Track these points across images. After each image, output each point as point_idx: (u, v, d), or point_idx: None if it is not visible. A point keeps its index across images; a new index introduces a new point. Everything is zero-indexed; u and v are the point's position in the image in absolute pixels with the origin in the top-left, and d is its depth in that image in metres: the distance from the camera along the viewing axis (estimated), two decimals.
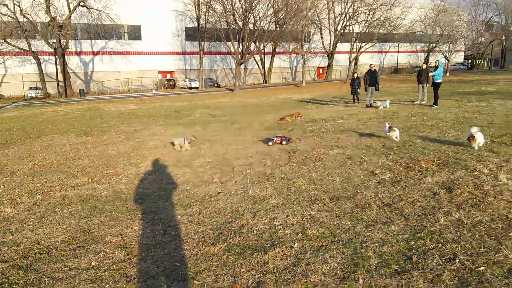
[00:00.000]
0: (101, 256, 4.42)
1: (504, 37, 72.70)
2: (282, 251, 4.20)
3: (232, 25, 38.92)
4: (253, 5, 37.09)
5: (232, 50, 38.06)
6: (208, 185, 6.83)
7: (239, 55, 38.43)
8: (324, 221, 4.95)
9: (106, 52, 46.11)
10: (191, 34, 47.85)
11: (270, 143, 10.28)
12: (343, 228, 4.70)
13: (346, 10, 45.77)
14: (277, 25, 41.31)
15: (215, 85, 49.81)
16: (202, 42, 44.49)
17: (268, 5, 38.91)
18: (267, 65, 51.08)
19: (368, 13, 45.84)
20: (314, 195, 5.96)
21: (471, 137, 7.91)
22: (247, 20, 37.48)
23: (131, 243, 4.72)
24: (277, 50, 50.14)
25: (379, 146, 9.09)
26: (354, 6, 45.64)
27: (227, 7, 37.27)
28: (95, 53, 45.69)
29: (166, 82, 48.94)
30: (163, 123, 15.95)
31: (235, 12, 37.47)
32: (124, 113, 21.22)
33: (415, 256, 3.89)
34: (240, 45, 39.59)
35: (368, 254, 4.01)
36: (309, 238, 4.48)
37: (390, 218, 4.90)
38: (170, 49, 49.54)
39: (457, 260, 3.75)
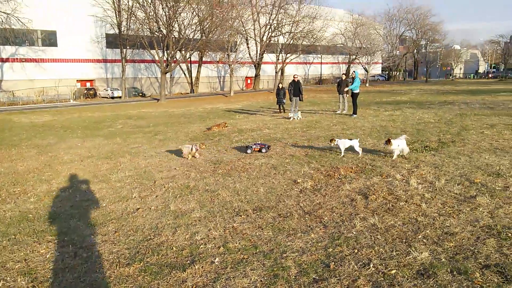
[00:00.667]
0: (0, 285, 3.96)
1: (415, 51, 79.33)
2: (202, 267, 4.05)
3: (156, 33, 38.04)
4: (177, 13, 36.59)
5: (157, 58, 37.19)
6: (126, 201, 6.46)
7: (164, 64, 37.67)
8: (247, 232, 4.90)
9: (17, 59, 42.48)
10: (113, 41, 45.88)
11: (248, 151, 9.88)
12: (265, 239, 4.68)
13: (271, 21, 46.99)
14: (203, 34, 41.18)
15: (140, 94, 48.27)
16: (124, 50, 42.93)
17: (192, 13, 38.64)
18: (194, 74, 50.66)
19: (291, 25, 47.46)
20: (238, 206, 5.89)
21: (388, 141, 8.35)
22: (171, 28, 36.86)
23: (36, 268, 4.29)
24: (204, 59, 50.01)
25: (302, 155, 9.31)
26: (278, 17, 47.00)
27: (150, 14, 36.40)
28: (4, 60, 41.95)
29: (85, 91, 46.41)
30: (81, 135, 15.02)
31: (159, 20, 36.68)
32: (37, 125, 19.69)
33: (333, 263, 3.96)
34: (165, 54, 38.82)
35: (288, 264, 4.01)
36: (230, 252, 4.39)
37: (310, 226, 4.98)
38: (90, 57, 47.11)
39: (371, 265, 3.87)
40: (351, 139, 9.24)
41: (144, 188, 7.11)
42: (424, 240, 4.38)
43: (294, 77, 18.18)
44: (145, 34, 38.92)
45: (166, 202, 6.23)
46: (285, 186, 6.81)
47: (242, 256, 4.27)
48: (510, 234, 4.39)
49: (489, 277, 3.55)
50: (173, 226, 5.23)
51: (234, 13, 41.61)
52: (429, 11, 78.23)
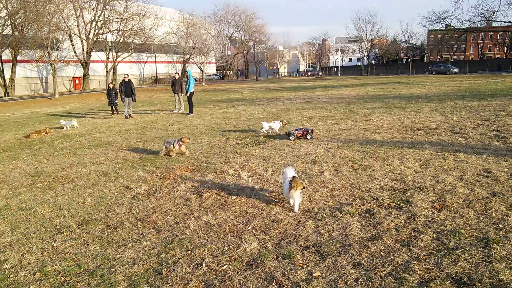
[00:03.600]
0: None
1: (245, 51, 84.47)
2: None
3: None
4: None
5: None
6: None
7: None
8: (70, 251, 4.36)
9: None
10: None
11: (291, 138, 9.67)
12: (91, 255, 4.24)
13: (97, 18, 43.86)
14: (15, 30, 35.95)
15: None
16: None
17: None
18: (7, 75, 43.94)
19: (120, 22, 45.19)
20: (60, 222, 5.23)
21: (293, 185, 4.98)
22: None
23: None
24: (19, 58, 43.77)
25: (136, 158, 8.89)
26: (104, 14, 44.14)
27: None
28: None
29: None
30: None
31: None
32: None
33: (165, 269, 3.81)
34: None
35: (117, 279, 3.70)
36: (49, 276, 3.83)
37: (142, 233, 4.72)
38: None
39: (204, 264, 3.85)
40: None
41: None
42: (253, 231, 4.58)
43: (124, 77, 17.33)
44: None
45: None
46: (116, 193, 6.36)
47: (63, 278, 3.77)
48: (324, 215, 4.92)
49: (308, 257, 3.89)
50: None
51: (52, 7, 37.39)
52: (253, 14, 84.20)
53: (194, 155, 8.75)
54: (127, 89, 16.96)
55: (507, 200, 5.06)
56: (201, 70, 57.41)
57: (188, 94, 17.09)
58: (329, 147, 8.86)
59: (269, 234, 4.47)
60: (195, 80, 19.22)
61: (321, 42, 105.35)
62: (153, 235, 4.64)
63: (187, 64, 62.58)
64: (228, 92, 34.43)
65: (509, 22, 48.79)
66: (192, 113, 17.02)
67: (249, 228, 4.66)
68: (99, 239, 4.62)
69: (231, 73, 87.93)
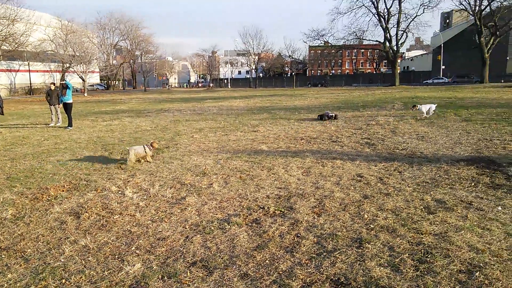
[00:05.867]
0: None
1: (132, 61, 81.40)
2: None
3: None
4: None
5: None
6: None
7: None
8: None
9: None
10: None
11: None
12: None
13: None
14: None
15: None
16: None
17: None
18: None
19: None
20: None
21: None
22: None
23: None
24: None
25: (3, 178, 7.86)
26: None
27: None
28: None
29: None
30: None
31: None
32: None
33: None
34: None
35: None
36: None
37: (7, 264, 4.14)
38: None
39: None
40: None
41: None
42: (137, 251, 4.33)
43: None
44: None
45: None
46: None
47: None
48: (212, 228, 4.88)
49: (195, 273, 3.79)
50: None
51: None
52: (140, 23, 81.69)
53: (72, 172, 8.05)
54: None
55: (377, 201, 5.60)
56: (83, 80, 53.68)
57: (64, 103, 15.84)
58: (218, 158, 8.91)
59: (154, 253, 4.27)
60: (76, 91, 17.83)
61: (210, 54, 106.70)
62: (21, 266, 4.10)
63: (66, 73, 57.97)
64: (113, 103, 32.70)
65: (377, 41, 55.26)
66: (71, 126, 15.75)
67: (132, 248, 4.40)
68: None
69: (117, 83, 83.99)
